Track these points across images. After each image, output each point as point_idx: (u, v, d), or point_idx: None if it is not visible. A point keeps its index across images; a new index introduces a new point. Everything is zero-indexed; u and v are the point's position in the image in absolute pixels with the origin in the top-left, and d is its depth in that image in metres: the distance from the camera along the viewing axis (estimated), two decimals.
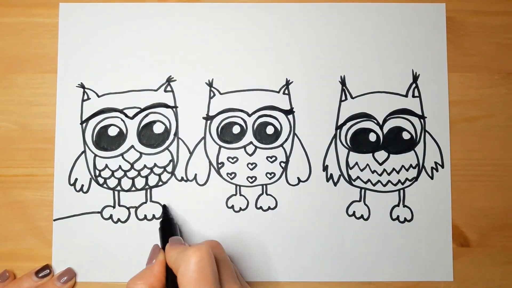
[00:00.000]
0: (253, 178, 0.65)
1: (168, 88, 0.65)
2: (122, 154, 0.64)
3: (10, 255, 0.64)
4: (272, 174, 0.65)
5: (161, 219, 0.62)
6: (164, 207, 0.63)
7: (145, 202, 0.64)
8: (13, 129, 0.65)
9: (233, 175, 0.65)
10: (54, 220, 0.64)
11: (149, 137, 0.65)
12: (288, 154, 0.65)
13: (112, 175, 0.64)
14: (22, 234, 0.64)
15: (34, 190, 0.65)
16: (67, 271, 0.63)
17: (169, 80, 0.65)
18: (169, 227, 0.60)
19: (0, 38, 0.66)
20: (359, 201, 0.65)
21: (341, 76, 0.66)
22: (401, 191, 0.65)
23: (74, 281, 0.63)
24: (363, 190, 0.65)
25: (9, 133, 0.65)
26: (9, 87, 0.66)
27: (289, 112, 0.65)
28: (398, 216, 0.65)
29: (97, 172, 0.64)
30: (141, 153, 0.64)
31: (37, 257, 0.64)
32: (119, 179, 0.64)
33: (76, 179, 0.64)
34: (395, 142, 0.65)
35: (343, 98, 0.65)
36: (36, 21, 0.66)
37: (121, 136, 0.64)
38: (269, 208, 0.64)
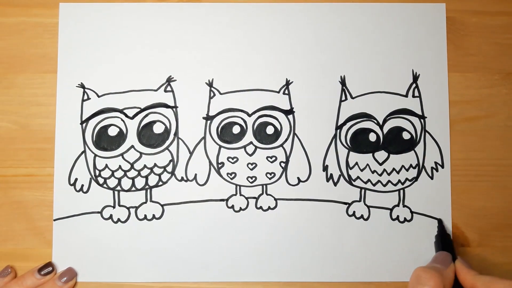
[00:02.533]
0: (253, 178, 0.65)
1: (168, 88, 0.65)
2: (122, 154, 0.64)
3: (10, 255, 0.64)
4: (272, 174, 0.65)
5: (437, 234, 0.63)
6: (440, 222, 0.64)
7: (145, 202, 0.64)
8: (13, 129, 0.65)
9: (233, 175, 0.65)
10: (54, 220, 0.64)
11: (149, 137, 0.65)
12: (288, 154, 0.65)
13: (112, 175, 0.64)
14: (22, 234, 0.64)
15: (34, 190, 0.65)
16: (68, 270, 0.63)
17: (169, 80, 0.65)
18: (448, 242, 0.62)
19: (0, 38, 0.66)
20: (359, 201, 0.65)
21: (341, 76, 0.66)
22: (401, 191, 0.65)
23: (75, 280, 0.63)
24: (363, 190, 0.65)
25: (9, 133, 0.65)
26: (9, 87, 0.66)
27: (289, 112, 0.65)
28: (398, 216, 0.65)
29: (97, 172, 0.64)
30: (141, 153, 0.64)
31: (37, 257, 0.64)
32: (119, 179, 0.64)
33: (76, 179, 0.64)
34: (395, 142, 0.65)
35: (343, 98, 0.65)
36: (36, 21, 0.66)
37: (121, 136, 0.64)
38: (269, 208, 0.64)
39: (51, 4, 0.67)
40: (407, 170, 0.65)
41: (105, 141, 0.65)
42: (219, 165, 0.65)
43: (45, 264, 0.63)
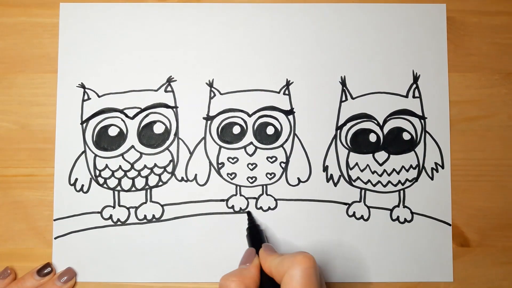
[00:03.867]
0: (253, 179, 0.65)
1: (169, 88, 0.65)
2: (122, 154, 0.64)
3: (10, 255, 0.64)
4: (272, 175, 0.65)
5: (248, 226, 0.63)
6: (249, 214, 0.64)
7: (145, 202, 0.64)
8: (13, 129, 0.65)
9: (233, 175, 0.65)
10: (54, 220, 0.64)
11: (149, 137, 0.65)
12: (288, 154, 0.65)
13: (112, 175, 0.64)
14: (22, 234, 0.64)
15: (34, 190, 0.65)
16: (67, 270, 0.63)
17: (170, 80, 0.65)
18: (257, 233, 0.61)
19: (0, 38, 0.66)
20: (359, 201, 0.65)
21: (341, 77, 0.66)
22: (401, 191, 0.65)
23: (74, 280, 0.63)
24: (363, 191, 0.65)
25: (9, 133, 0.65)
26: (9, 87, 0.66)
27: (289, 112, 0.65)
28: (398, 217, 0.65)
29: (97, 172, 0.64)
30: (141, 153, 0.64)
31: (37, 257, 0.64)
32: (119, 179, 0.64)
33: (76, 179, 0.64)
34: (395, 143, 0.65)
35: (344, 98, 0.65)
36: (36, 21, 0.66)
37: (121, 136, 0.64)
38: (269, 208, 0.64)
39: (51, 4, 0.66)
40: (407, 170, 0.65)
41: (106, 141, 0.64)
42: (219, 165, 0.65)
43: (44, 265, 0.63)
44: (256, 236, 0.61)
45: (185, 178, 0.65)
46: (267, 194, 0.65)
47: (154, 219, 0.64)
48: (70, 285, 0.62)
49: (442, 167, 0.65)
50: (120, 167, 0.64)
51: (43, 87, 0.66)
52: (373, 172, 0.65)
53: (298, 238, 0.64)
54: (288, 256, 0.53)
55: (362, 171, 0.65)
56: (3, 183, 0.65)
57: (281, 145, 0.65)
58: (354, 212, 0.65)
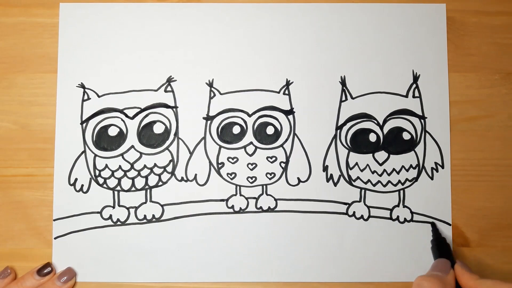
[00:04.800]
0: (253, 178, 0.65)
1: (168, 88, 0.65)
2: (122, 154, 0.64)
3: (10, 255, 0.64)
4: (272, 174, 0.65)
5: (432, 238, 0.63)
6: (433, 225, 0.64)
7: (145, 202, 0.64)
8: (13, 129, 0.65)
9: (233, 175, 0.65)
10: (54, 220, 0.64)
11: (149, 137, 0.65)
12: (288, 154, 0.65)
13: (112, 175, 0.64)
14: (22, 234, 0.64)
15: (34, 190, 0.65)
16: (67, 270, 0.63)
17: (170, 80, 0.65)
18: (445, 246, 0.62)
19: (0, 38, 0.66)
20: (359, 201, 0.65)
21: (341, 77, 0.66)
22: (401, 191, 0.65)
23: (74, 280, 0.63)
24: (363, 191, 0.65)
25: (9, 133, 0.65)
26: (9, 87, 0.66)
27: (289, 112, 0.65)
28: (398, 216, 0.65)
29: (97, 172, 0.64)
30: (141, 153, 0.64)
31: (37, 257, 0.64)
32: (119, 179, 0.64)
33: (76, 179, 0.64)
34: (395, 143, 0.65)
35: (343, 98, 0.65)
36: (36, 21, 0.66)
37: (121, 136, 0.64)
38: (269, 208, 0.64)
39: (51, 4, 0.67)
40: (407, 170, 0.65)
41: (105, 141, 0.64)
42: (219, 165, 0.65)
43: (44, 265, 0.63)
44: (445, 249, 0.62)
45: (185, 178, 0.65)
46: (267, 194, 0.65)
47: (154, 219, 0.64)
48: (70, 285, 0.62)
49: (442, 167, 0.65)
50: (120, 167, 0.64)
51: (43, 87, 0.66)
52: (373, 172, 0.65)
53: (298, 238, 0.64)
54: (502, 283, 0.54)
55: (362, 171, 0.65)
56: (3, 183, 0.65)
57: (281, 145, 0.65)
58: (354, 212, 0.65)
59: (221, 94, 0.65)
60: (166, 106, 0.65)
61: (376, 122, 0.65)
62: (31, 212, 0.65)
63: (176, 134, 0.65)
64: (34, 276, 0.62)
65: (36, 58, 0.66)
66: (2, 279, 0.62)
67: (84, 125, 0.65)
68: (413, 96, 0.65)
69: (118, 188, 0.64)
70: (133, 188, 0.64)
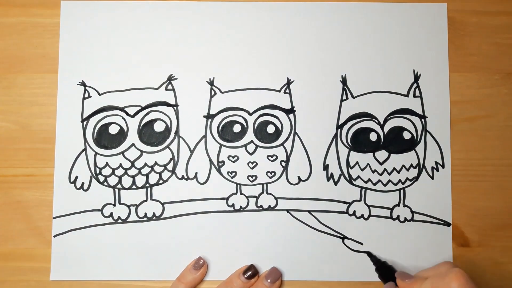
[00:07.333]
0: (254, 177, 0.65)
1: (169, 87, 0.65)
2: (122, 152, 0.64)
3: (10, 255, 0.64)
4: (273, 173, 0.65)
5: (376, 268, 0.63)
6: (370, 254, 0.64)
7: (146, 200, 0.64)
8: (13, 129, 0.65)
9: (233, 173, 0.65)
10: (54, 218, 0.64)
11: (150, 135, 0.65)
12: (288, 153, 0.65)
13: (113, 173, 0.64)
14: (22, 234, 0.64)
15: (34, 190, 0.65)
16: (273, 270, 0.63)
17: (170, 79, 0.65)
18: (387, 269, 0.62)
19: (0, 38, 0.66)
20: (360, 200, 0.65)
21: (342, 76, 0.66)
22: (402, 190, 0.65)
23: (281, 281, 0.63)
24: (363, 190, 0.65)
25: (9, 133, 0.65)
26: (9, 87, 0.66)
27: (290, 111, 0.65)
28: (398, 216, 0.65)
29: (98, 170, 0.64)
30: (141, 151, 0.64)
31: (37, 256, 0.64)
32: (120, 177, 0.64)
33: (76, 177, 0.64)
34: (396, 142, 0.65)
35: (344, 97, 0.65)
36: (36, 21, 0.67)
37: (122, 134, 0.64)
38: (269, 206, 0.64)
39: (51, 4, 0.67)
40: (407, 169, 0.65)
41: (106, 139, 0.65)
42: (220, 164, 0.65)
43: (248, 267, 0.62)
44: (386, 272, 0.62)
45: (186, 176, 0.65)
46: (267, 193, 0.65)
47: (154, 217, 0.64)
48: (277, 285, 0.62)
49: (443, 166, 0.65)
50: (120, 165, 0.64)
51: (43, 87, 0.66)
52: (373, 171, 0.65)
53: (298, 237, 0.64)
54: (435, 278, 0.54)
55: (362, 170, 0.65)
56: (3, 183, 0.65)
57: (282, 144, 0.65)
58: (354, 211, 0.65)
59: (222, 92, 0.65)
60: (166, 104, 0.65)
61: (376, 121, 0.65)
62: (31, 212, 0.64)
63: (176, 132, 0.65)
64: (240, 278, 0.62)
65: (37, 58, 0.66)
66: (197, 269, 0.62)
67: (84, 123, 0.65)
68: (414, 96, 0.66)
69: (119, 186, 0.64)
70: (134, 186, 0.64)
